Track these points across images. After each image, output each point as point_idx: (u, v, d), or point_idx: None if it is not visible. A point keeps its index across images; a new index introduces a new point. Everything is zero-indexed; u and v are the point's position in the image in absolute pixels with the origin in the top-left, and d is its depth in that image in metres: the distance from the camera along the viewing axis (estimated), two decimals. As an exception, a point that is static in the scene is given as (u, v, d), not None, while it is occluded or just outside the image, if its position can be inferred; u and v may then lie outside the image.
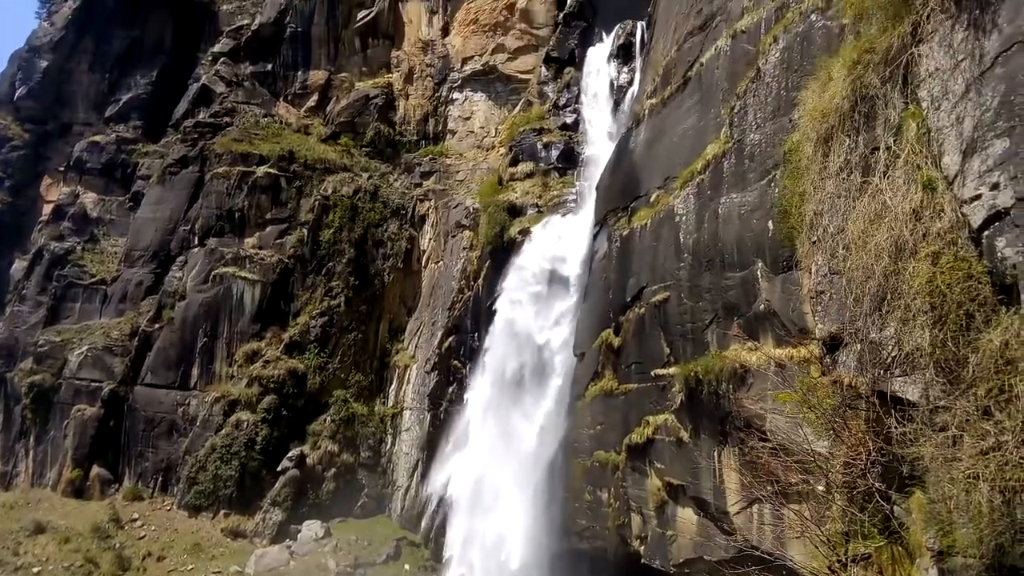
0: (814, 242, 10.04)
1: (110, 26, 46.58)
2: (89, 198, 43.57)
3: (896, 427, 7.90)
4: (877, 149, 8.72)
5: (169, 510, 33.65)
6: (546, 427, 24.70)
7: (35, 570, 30.72)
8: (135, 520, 33.10)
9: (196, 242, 37.43)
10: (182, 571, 30.53)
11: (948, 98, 7.88)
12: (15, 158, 45.16)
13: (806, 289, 11.53)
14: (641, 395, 18.03)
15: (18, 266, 42.15)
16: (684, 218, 16.79)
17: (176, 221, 38.57)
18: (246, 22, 44.56)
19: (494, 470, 26.33)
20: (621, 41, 31.35)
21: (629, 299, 18.98)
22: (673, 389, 16.55)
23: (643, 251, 18.74)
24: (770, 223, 13.08)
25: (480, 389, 29.21)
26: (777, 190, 12.74)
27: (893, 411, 8.14)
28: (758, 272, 13.64)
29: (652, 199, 19.23)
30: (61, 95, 46.44)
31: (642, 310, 18.25)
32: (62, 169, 44.82)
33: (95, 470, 35.33)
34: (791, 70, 13.56)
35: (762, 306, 13.40)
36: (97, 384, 36.04)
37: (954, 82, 7.81)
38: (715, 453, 14.95)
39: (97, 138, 44.51)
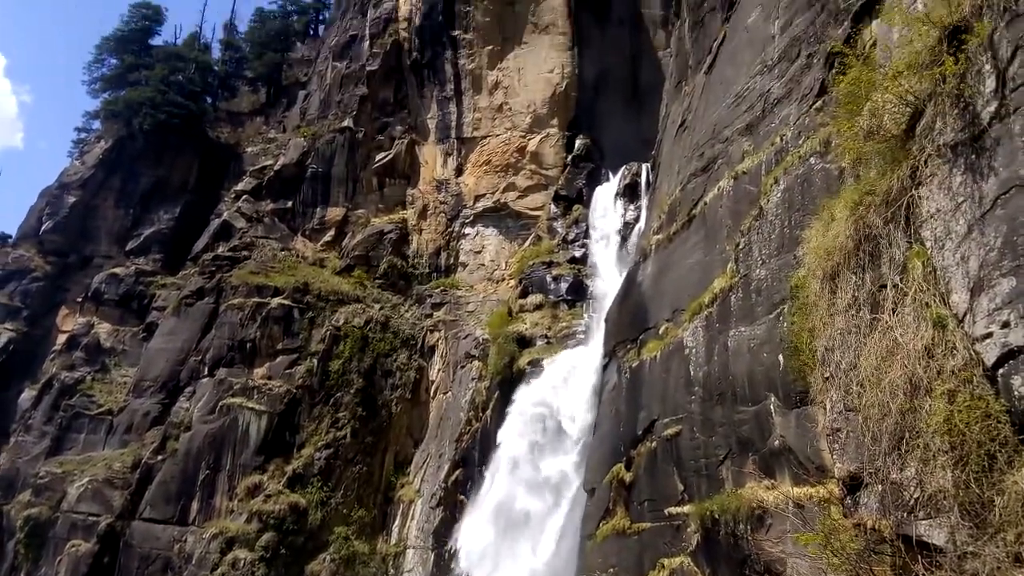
0: (827, 378, 9.98)
1: (138, 165, 49.03)
2: (104, 328, 44.16)
3: (924, 574, 7.51)
4: (884, 287, 8.84)
5: (156, 658, 31.63)
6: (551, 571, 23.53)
7: None
8: (119, 670, 31.06)
9: (205, 372, 37.47)
10: None
11: (951, 238, 8.06)
12: (34, 289, 46.25)
13: (821, 426, 11.32)
14: (655, 535, 17.28)
15: (27, 396, 42.13)
16: (694, 350, 16.79)
17: (187, 352, 38.84)
18: (269, 163, 46.91)
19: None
20: (627, 181, 32.74)
21: (640, 432, 18.64)
22: (688, 529, 15.89)
23: (653, 383, 18.61)
24: (780, 357, 13.06)
25: (478, 528, 28.11)
26: (785, 325, 12.83)
27: (920, 557, 7.76)
28: (771, 407, 13.46)
29: (661, 331, 19.33)
30: (86, 229, 48.21)
31: (654, 444, 17.87)
32: (79, 300, 45.73)
33: (83, 612, 33.54)
34: (793, 209, 14.02)
35: (777, 442, 13.13)
36: (95, 518, 34.93)
37: (956, 223, 8.02)
38: (736, 600, 14.14)
39: (116, 270, 45.73)
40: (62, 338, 44.70)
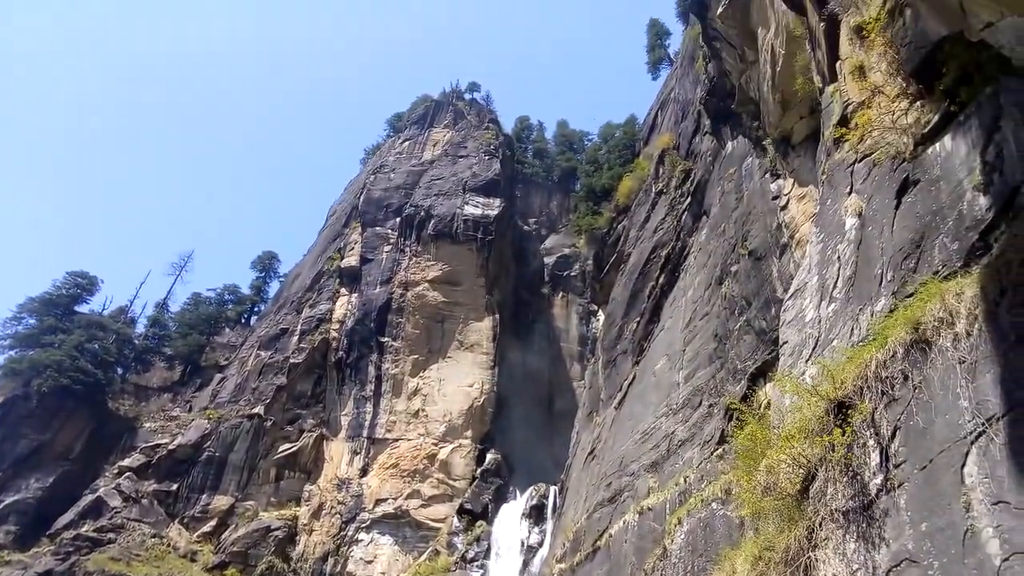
0: None
1: (22, 426, 45.71)
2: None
3: None
4: (788, 653, 8.60)
5: None
6: None
7: None
8: None
9: None
10: None
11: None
12: None
13: None
14: None
15: None
16: None
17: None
18: (165, 441, 44.46)
19: None
20: (534, 502, 32.36)
21: None
22: None
23: None
24: None
25: None
26: None
27: None
28: None
29: None
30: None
31: None
32: (-103, 573, 39.03)
33: None
34: (696, 554, 14.00)
35: None
36: None
37: (854, 594, 8.11)
38: None
39: (-41, 542, 39.92)
40: None
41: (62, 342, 49.18)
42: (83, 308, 56.43)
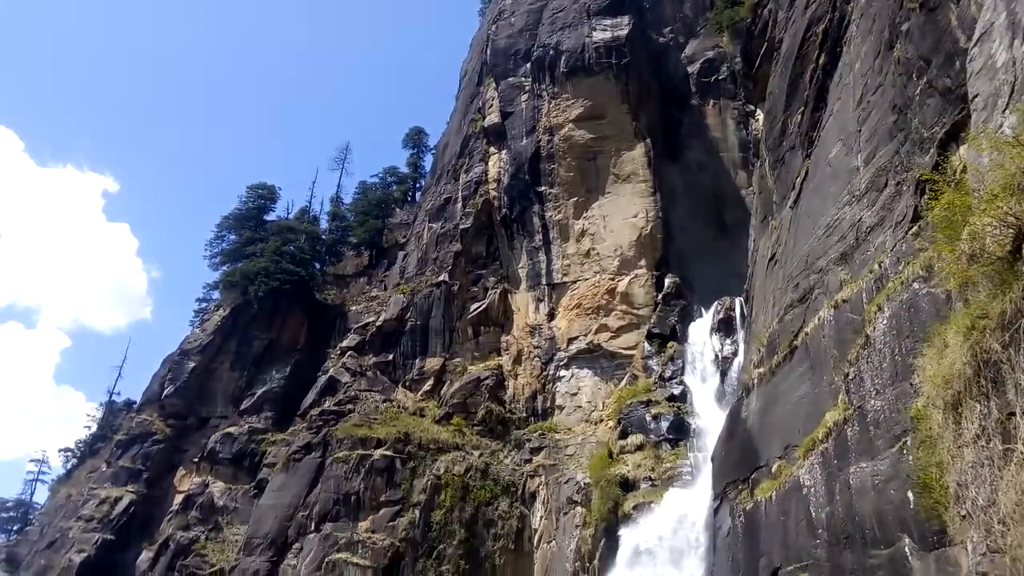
0: (964, 516, 9.33)
1: (252, 329, 52.46)
2: (217, 487, 45.68)
3: None
4: (1013, 414, 8.44)
5: None
6: None
7: None
8: None
9: (312, 528, 37.82)
10: None
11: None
12: (155, 451, 48.67)
13: (965, 569, 10.43)
14: None
15: (144, 557, 43.23)
16: (812, 490, 15.93)
17: (295, 507, 39.52)
18: (372, 319, 49.41)
19: None
20: (721, 316, 32.58)
21: (763, 582, 17.42)
22: None
23: (771, 527, 17.59)
24: (910, 494, 12.26)
25: None
26: (911, 459, 12.14)
27: None
28: (906, 549, 12.47)
29: (774, 469, 18.49)
30: (203, 392, 51.13)
31: (781, 595, 16.61)
32: (196, 460, 47.72)
33: None
34: (902, 336, 13.65)
35: (919, 589, 12.05)
36: None
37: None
38: None
39: (231, 429, 47.87)
40: (179, 498, 46.32)
41: (262, 250, 54.74)
42: (270, 216, 61.92)
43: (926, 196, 14.15)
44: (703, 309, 35.49)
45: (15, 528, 60.40)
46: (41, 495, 62.35)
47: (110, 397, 66.58)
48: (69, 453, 62.16)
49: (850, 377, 15.20)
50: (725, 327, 32.40)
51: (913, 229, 14.85)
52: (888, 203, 16.31)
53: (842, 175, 18.82)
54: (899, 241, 15.36)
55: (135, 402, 57.50)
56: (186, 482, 47.06)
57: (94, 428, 63.38)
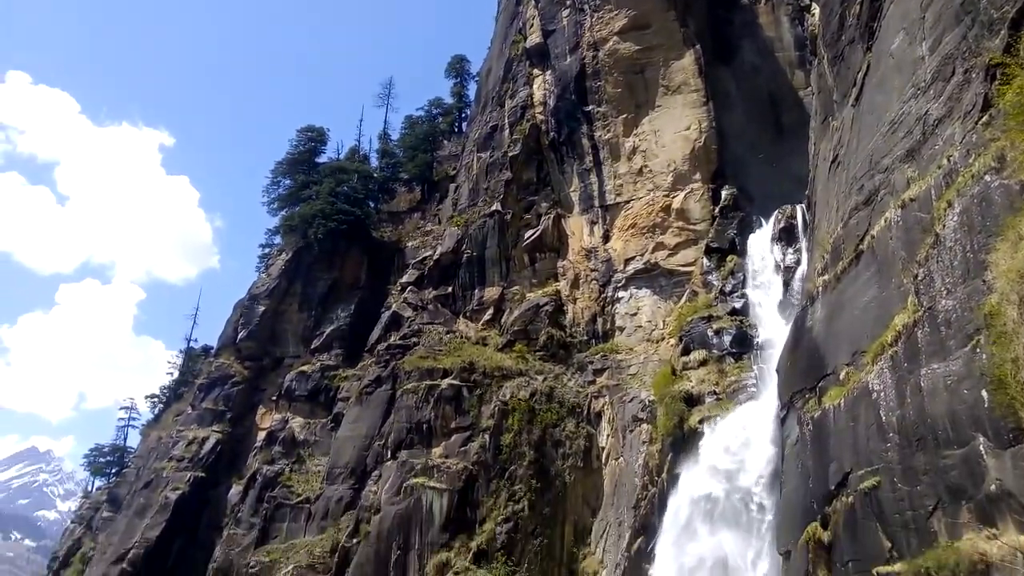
0: (1041, 410, 9.13)
1: (314, 271, 53.93)
2: (296, 423, 48.03)
3: None
4: (1092, 304, 8.11)
5: None
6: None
7: None
8: None
9: (389, 456, 39.62)
10: None
11: None
12: (235, 393, 51.24)
13: (1045, 464, 10.29)
14: (867, 599, 15.95)
15: (235, 491, 46.13)
16: (882, 394, 15.77)
17: (371, 437, 41.49)
18: (428, 253, 50.07)
19: None
20: (782, 224, 31.68)
21: (833, 487, 17.50)
22: (904, 589, 14.60)
23: (840, 433, 17.56)
24: (984, 393, 12.04)
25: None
26: (984, 357, 11.86)
27: None
28: (981, 448, 12.34)
29: (842, 376, 18.32)
30: (275, 334, 53.21)
31: (850, 499, 16.70)
32: (274, 399, 50.13)
33: None
34: (974, 232, 13.14)
35: (993, 487, 11.97)
36: (301, 604, 37.30)
37: None
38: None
39: (304, 368, 49.91)
40: (261, 435, 48.92)
41: (317, 193, 55.63)
42: (322, 159, 62.60)
43: (997, 82, 13.32)
44: (762, 219, 34.58)
45: (113, 471, 64.73)
46: (133, 439, 66.47)
47: (188, 344, 69.87)
48: (155, 399, 65.82)
49: (919, 278, 14.78)
50: (786, 236, 31.55)
51: (983, 119, 14.04)
52: (956, 93, 15.40)
53: (906, 67, 17.79)
54: (968, 132, 14.57)
55: (212, 347, 60.25)
56: (267, 419, 49.54)
57: (176, 374, 66.79)
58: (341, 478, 41.56)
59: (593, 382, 39.65)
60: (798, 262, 29.97)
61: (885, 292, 16.77)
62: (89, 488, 70.47)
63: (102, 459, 67.25)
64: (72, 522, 65.35)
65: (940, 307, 13.85)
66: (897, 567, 14.83)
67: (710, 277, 36.47)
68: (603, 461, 37.11)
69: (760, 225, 34.59)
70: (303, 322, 52.48)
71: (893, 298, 16.23)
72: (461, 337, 44.92)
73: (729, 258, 35.67)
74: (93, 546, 48.98)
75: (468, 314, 46.33)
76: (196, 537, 44.58)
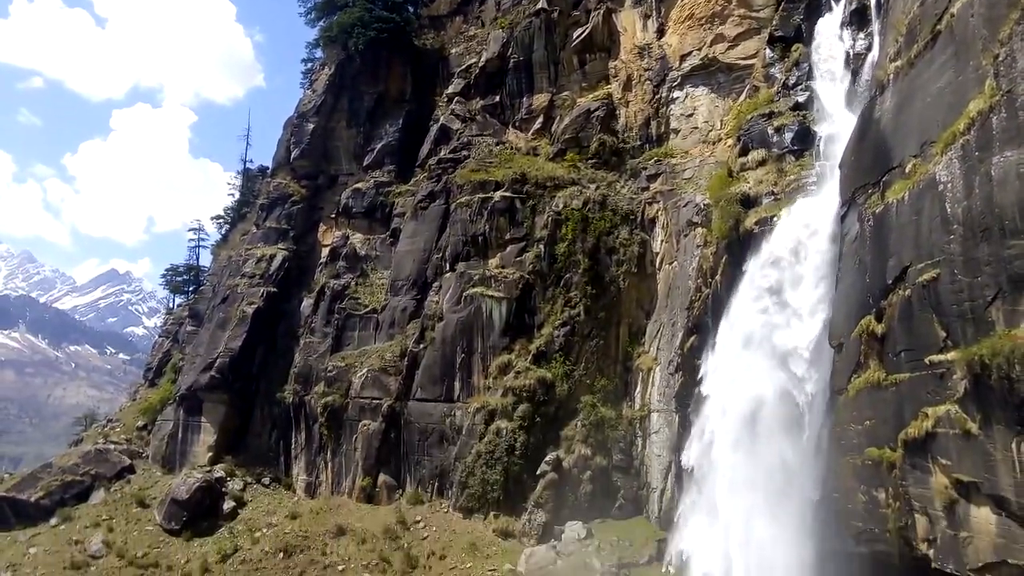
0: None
1: (359, 84, 52.60)
2: (357, 239, 49.44)
3: None
4: None
5: (446, 512, 36.88)
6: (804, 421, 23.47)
7: (340, 568, 35.39)
8: (418, 522, 36.75)
9: (447, 268, 40.98)
10: (461, 569, 33.25)
11: None
12: (296, 212, 52.39)
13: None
14: (915, 385, 16.50)
15: (306, 303, 48.77)
16: (949, 185, 15.21)
17: (429, 251, 42.69)
18: (473, 61, 48.11)
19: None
20: (853, 7, 28.93)
21: (890, 281, 17.53)
22: (954, 376, 15.00)
23: (902, 227, 17.23)
24: (1059, 179, 11.46)
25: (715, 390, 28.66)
26: (1065, 140, 11.15)
27: None
28: (1049, 237, 11.99)
29: (907, 169, 17.63)
30: (327, 152, 53.24)
31: (907, 292, 16.75)
32: (333, 216, 51.25)
33: (382, 478, 39.90)
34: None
35: (1058, 274, 11.75)
36: (377, 401, 40.73)
37: None
38: (1013, 445, 13.34)
39: (359, 185, 50.39)
40: (325, 251, 50.70)
41: (354, 1, 52.88)
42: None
43: None
44: (832, 2, 31.66)
45: (191, 289, 68.51)
46: (204, 259, 69.51)
47: (244, 165, 70.65)
48: (220, 220, 67.79)
49: (1000, 59, 13.64)
50: (858, 19, 28.90)
51: None
52: None
53: None
54: None
55: (267, 167, 60.87)
56: (328, 236, 51.13)
57: (236, 195, 68.16)
58: (404, 289, 43.45)
59: (647, 188, 39.18)
60: (869, 47, 27.70)
61: (961, 76, 15.58)
62: (171, 305, 74.93)
63: (178, 278, 70.71)
64: (160, 336, 70.56)
65: (1020, 90, 12.88)
66: (951, 355, 15.14)
67: (772, 70, 34.29)
68: (657, 266, 37.61)
69: (830, 8, 31.70)
70: (353, 139, 52.21)
71: (969, 83, 15.10)
72: (511, 148, 44.32)
73: (794, 47, 33.24)
74: (181, 357, 53.11)
75: (517, 124, 45.32)
76: (275, 345, 47.93)
